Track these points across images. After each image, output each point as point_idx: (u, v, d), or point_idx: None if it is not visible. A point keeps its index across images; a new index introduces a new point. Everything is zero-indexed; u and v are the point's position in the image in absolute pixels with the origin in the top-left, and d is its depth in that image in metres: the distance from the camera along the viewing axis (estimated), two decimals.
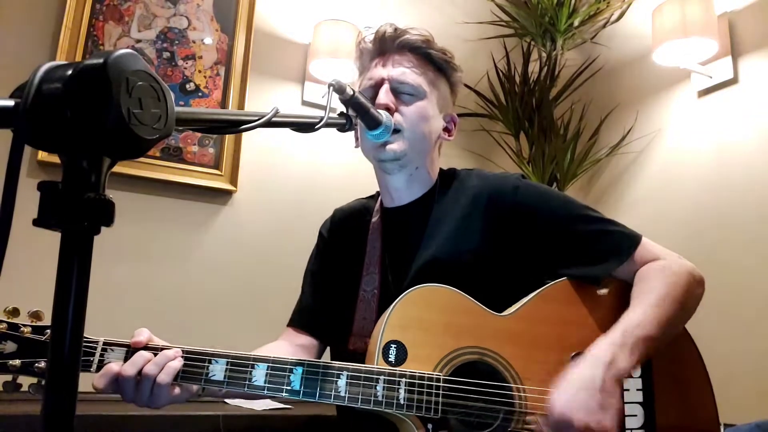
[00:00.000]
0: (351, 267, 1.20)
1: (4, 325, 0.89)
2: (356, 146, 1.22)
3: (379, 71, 1.14)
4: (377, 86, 1.13)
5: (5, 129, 0.45)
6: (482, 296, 1.05)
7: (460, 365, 0.98)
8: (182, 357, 0.93)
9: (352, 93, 0.93)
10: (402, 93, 1.12)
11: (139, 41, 2.03)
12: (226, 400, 1.80)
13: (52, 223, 0.45)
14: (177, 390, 0.94)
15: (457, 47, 2.53)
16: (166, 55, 2.06)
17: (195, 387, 1.00)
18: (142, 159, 1.90)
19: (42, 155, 1.81)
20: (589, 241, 1.09)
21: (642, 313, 0.98)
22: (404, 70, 1.13)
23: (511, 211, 1.11)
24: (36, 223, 0.45)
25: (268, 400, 1.82)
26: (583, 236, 1.09)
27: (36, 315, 0.91)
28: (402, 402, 0.94)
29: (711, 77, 2.11)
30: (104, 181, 0.47)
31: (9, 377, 0.90)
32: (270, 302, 2.07)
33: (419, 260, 1.13)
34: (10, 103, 0.45)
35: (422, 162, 1.17)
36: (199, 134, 2.07)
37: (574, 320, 1.05)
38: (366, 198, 1.34)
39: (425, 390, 0.95)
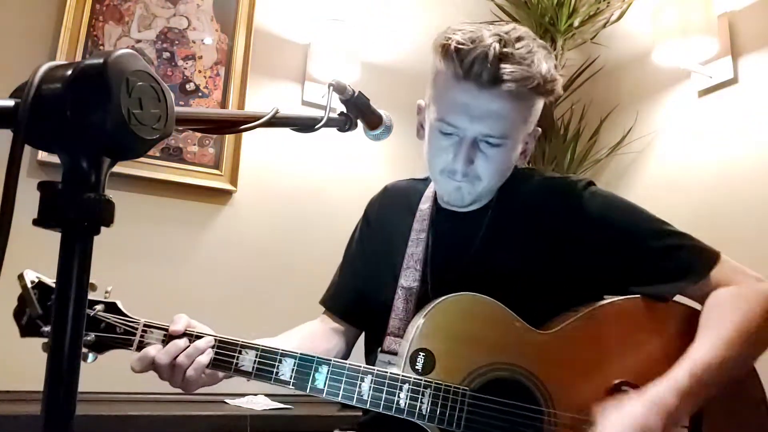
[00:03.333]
0: (392, 251, 1.15)
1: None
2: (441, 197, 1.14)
3: (461, 121, 0.99)
4: (454, 135, 1.02)
5: (5, 129, 0.45)
6: (530, 312, 0.98)
7: (489, 380, 0.94)
8: (215, 345, 0.96)
9: (352, 93, 0.93)
10: (483, 142, 1.01)
11: (139, 41, 2.03)
12: (227, 400, 1.80)
13: (52, 223, 0.46)
14: (207, 375, 0.97)
15: None
16: (166, 55, 2.06)
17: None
18: (142, 159, 1.90)
19: (42, 155, 1.80)
20: (659, 258, 1.01)
21: (711, 353, 0.90)
22: (491, 122, 0.99)
23: (573, 224, 1.04)
24: (36, 223, 0.45)
25: (267, 400, 1.82)
26: (654, 252, 1.02)
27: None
28: (425, 412, 0.92)
29: (711, 77, 2.11)
30: (104, 181, 0.47)
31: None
32: (270, 302, 2.07)
33: (466, 267, 1.07)
34: (10, 103, 0.45)
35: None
36: (199, 134, 2.07)
37: (622, 345, 0.97)
38: (417, 180, 1.25)
39: (449, 403, 0.92)
